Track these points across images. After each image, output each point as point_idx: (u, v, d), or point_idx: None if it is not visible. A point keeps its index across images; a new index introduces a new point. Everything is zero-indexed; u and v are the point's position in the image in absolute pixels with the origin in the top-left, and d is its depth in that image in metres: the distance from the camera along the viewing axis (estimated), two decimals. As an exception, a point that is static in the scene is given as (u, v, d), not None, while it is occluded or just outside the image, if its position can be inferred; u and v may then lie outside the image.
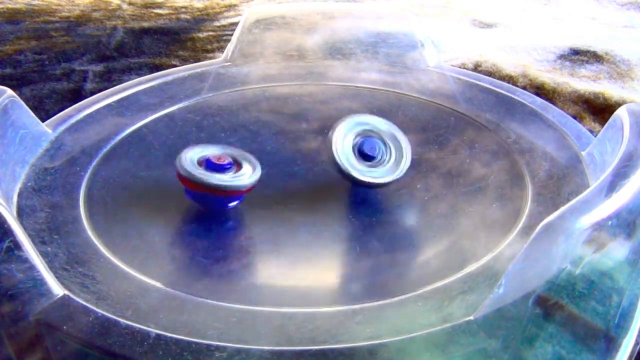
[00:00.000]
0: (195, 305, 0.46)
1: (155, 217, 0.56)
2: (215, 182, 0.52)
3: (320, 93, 0.78)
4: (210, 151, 0.56)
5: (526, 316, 0.42)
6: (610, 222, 0.45)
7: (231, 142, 0.68)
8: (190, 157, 0.54)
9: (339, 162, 0.55)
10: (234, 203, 0.55)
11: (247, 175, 0.54)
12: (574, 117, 0.79)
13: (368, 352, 0.40)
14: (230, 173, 0.54)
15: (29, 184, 0.60)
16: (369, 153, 0.56)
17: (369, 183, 0.55)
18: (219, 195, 0.54)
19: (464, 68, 1.14)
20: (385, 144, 0.57)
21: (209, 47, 1.36)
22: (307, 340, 0.42)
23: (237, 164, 0.55)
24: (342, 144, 0.56)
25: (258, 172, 0.55)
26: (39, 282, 0.43)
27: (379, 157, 0.57)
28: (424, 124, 0.71)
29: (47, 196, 0.58)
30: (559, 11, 1.57)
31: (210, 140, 0.68)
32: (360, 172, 0.55)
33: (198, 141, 0.67)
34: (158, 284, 0.48)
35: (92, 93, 0.86)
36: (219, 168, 0.54)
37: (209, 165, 0.54)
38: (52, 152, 0.64)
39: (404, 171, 0.56)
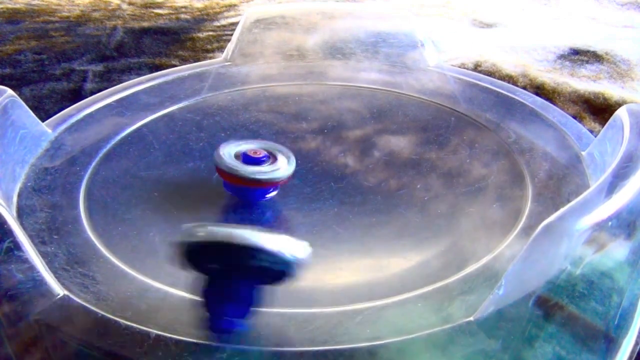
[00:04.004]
0: (195, 306, 0.46)
1: (155, 217, 0.56)
2: (253, 175, 0.54)
3: (320, 93, 0.78)
4: (246, 146, 0.57)
5: (526, 317, 0.42)
6: (610, 223, 0.45)
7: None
8: (228, 152, 0.56)
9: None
10: (272, 194, 0.57)
11: (283, 167, 0.56)
12: (574, 117, 0.79)
13: (368, 353, 0.40)
14: (266, 165, 0.56)
15: (29, 184, 0.59)
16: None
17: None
18: (256, 188, 0.56)
19: (464, 68, 1.14)
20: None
21: (209, 47, 1.36)
22: (307, 341, 0.42)
23: (272, 157, 0.57)
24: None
25: (293, 164, 0.56)
26: (39, 283, 0.43)
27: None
28: (424, 124, 0.71)
29: (47, 196, 0.58)
30: (559, 11, 1.57)
31: (212, 139, 0.68)
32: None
33: (198, 141, 0.68)
34: (158, 284, 0.48)
35: (92, 93, 0.86)
36: (256, 161, 0.56)
37: (246, 159, 0.56)
38: (52, 152, 0.64)
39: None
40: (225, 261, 0.38)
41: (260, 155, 0.56)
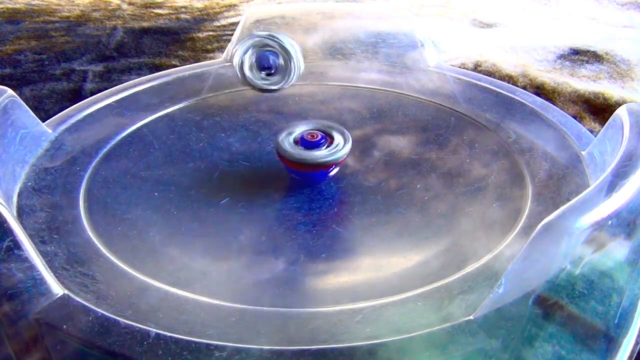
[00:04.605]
0: (195, 305, 0.46)
1: (155, 217, 0.56)
2: (315, 158, 0.58)
3: (320, 93, 0.78)
4: (302, 129, 0.61)
5: (526, 316, 0.42)
6: (610, 222, 0.45)
7: (230, 142, 0.68)
8: (287, 138, 0.60)
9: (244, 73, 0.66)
10: (333, 171, 0.60)
11: (341, 146, 0.59)
12: (574, 117, 0.79)
13: (368, 352, 0.40)
14: (325, 148, 0.59)
15: (29, 183, 0.60)
16: (265, 65, 0.66)
17: (267, 89, 0.67)
18: (320, 170, 0.59)
19: (464, 68, 1.14)
20: (278, 56, 0.67)
21: (209, 47, 1.37)
22: (307, 340, 0.42)
23: (329, 137, 0.60)
24: (244, 58, 0.66)
25: (350, 142, 0.60)
26: (39, 282, 0.43)
27: (274, 68, 0.67)
28: (424, 124, 0.71)
29: (47, 196, 0.58)
30: (559, 11, 1.58)
31: (212, 139, 0.68)
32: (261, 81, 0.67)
33: (198, 141, 0.68)
34: (158, 284, 0.48)
35: (92, 93, 0.86)
36: (314, 144, 0.59)
37: (305, 143, 0.59)
38: (52, 152, 0.64)
39: (293, 79, 0.67)
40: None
41: (318, 138, 0.59)
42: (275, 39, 0.66)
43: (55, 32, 1.45)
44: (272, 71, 0.67)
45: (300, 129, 0.61)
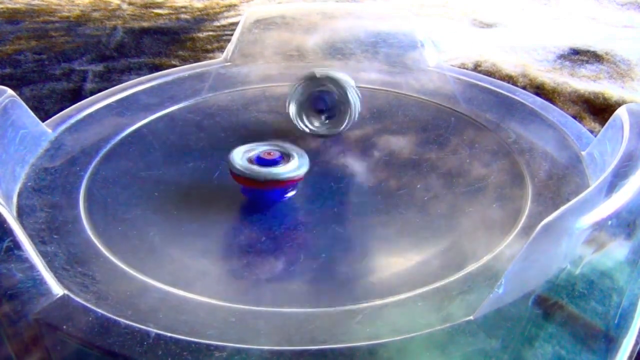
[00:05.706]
0: (195, 305, 0.46)
1: (155, 217, 0.56)
2: (271, 175, 0.55)
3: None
4: (258, 148, 0.58)
5: (526, 316, 0.42)
6: (610, 222, 0.45)
7: (231, 142, 0.68)
8: (241, 156, 0.56)
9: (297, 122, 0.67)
10: (291, 194, 0.57)
11: (297, 165, 0.56)
12: (574, 117, 0.79)
13: (368, 352, 0.40)
14: (282, 165, 0.56)
15: (29, 183, 0.60)
16: (321, 107, 0.66)
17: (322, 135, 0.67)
18: (275, 188, 0.56)
19: (464, 68, 1.14)
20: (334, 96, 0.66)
21: (209, 47, 1.37)
22: (307, 340, 0.42)
23: (286, 156, 0.57)
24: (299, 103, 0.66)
25: (307, 161, 0.57)
26: (39, 282, 0.43)
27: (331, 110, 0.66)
28: (424, 124, 0.71)
29: (47, 196, 0.58)
30: (559, 11, 1.58)
31: (212, 139, 0.68)
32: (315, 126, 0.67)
33: (198, 141, 0.68)
34: (158, 284, 0.48)
35: (92, 93, 0.86)
36: (271, 162, 0.56)
37: (260, 161, 0.56)
38: (52, 152, 0.64)
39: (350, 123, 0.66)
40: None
41: (275, 157, 0.56)
42: (332, 79, 0.65)
43: (55, 32, 1.45)
44: (327, 114, 0.66)
45: (257, 148, 0.58)
